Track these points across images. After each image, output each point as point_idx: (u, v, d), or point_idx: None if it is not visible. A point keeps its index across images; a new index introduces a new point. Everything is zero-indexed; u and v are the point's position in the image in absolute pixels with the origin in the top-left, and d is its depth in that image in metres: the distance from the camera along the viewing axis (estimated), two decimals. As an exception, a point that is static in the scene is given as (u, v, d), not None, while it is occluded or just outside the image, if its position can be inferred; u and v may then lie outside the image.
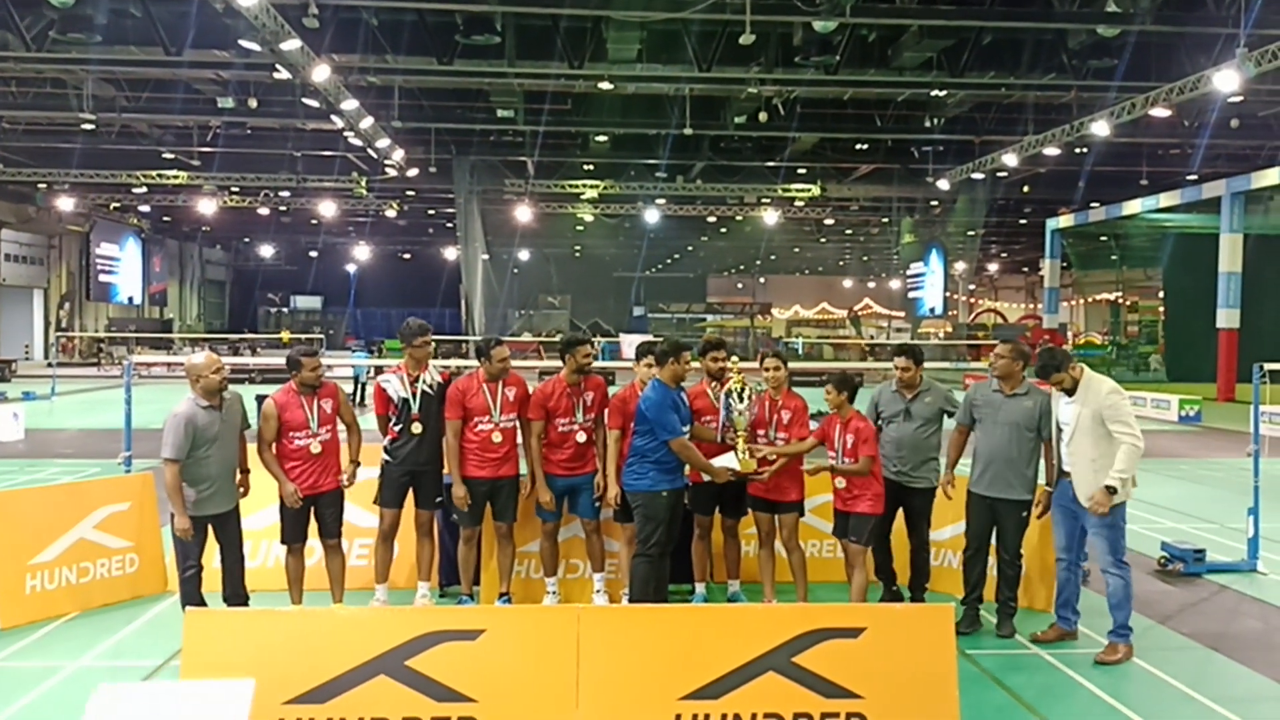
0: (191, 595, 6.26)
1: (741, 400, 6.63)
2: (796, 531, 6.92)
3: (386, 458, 6.98)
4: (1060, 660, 6.37)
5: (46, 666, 6.11)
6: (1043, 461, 6.76)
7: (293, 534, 6.69)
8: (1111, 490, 6.20)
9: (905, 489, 7.03)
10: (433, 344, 7.24)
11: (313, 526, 6.76)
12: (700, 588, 7.33)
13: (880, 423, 7.16)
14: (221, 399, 6.39)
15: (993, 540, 6.89)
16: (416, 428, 6.90)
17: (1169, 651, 6.61)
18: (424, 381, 6.97)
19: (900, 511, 7.14)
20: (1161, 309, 39.77)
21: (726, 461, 6.61)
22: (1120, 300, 46.29)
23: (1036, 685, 5.99)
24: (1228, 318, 26.53)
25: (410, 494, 7.04)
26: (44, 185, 38.90)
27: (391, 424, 6.95)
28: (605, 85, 23.85)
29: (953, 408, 7.14)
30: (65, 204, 41.15)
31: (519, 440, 7.05)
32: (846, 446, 6.59)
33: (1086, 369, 6.54)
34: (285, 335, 47.77)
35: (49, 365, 33.02)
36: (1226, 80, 18.88)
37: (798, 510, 6.92)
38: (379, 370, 7.96)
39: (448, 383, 7.21)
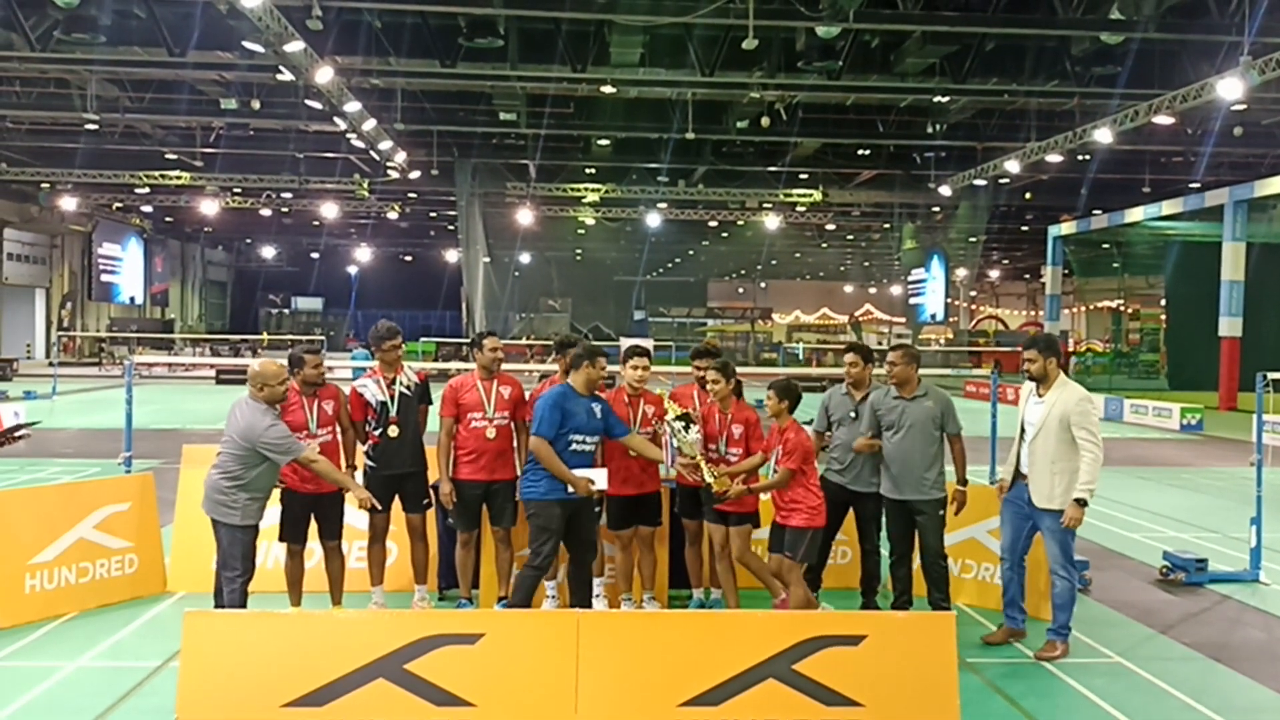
0: (240, 607, 6.05)
1: (688, 430, 6.46)
2: (749, 543, 6.74)
3: (369, 463, 6.95)
4: (1061, 669, 6.34)
5: (45, 666, 6.09)
6: (950, 462, 6.83)
7: (292, 535, 6.67)
8: (1082, 503, 6.29)
9: (854, 494, 6.98)
10: (403, 346, 7.19)
11: (313, 529, 6.74)
12: (698, 593, 7.31)
13: (831, 426, 7.12)
14: (276, 409, 6.25)
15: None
16: (394, 430, 6.88)
17: (1171, 662, 6.59)
18: (400, 383, 6.97)
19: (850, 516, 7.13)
20: (1163, 317, 39.76)
21: (594, 474, 6.36)
22: (1122, 308, 46.32)
23: (1037, 694, 5.97)
24: (1230, 326, 26.48)
25: (398, 498, 7.02)
26: (47, 185, 38.94)
27: (371, 429, 6.92)
28: (608, 89, 23.85)
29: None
30: (68, 204, 41.18)
31: (515, 444, 7.03)
32: (777, 456, 6.41)
33: (1062, 375, 6.62)
34: (265, 338, 47.65)
35: (50, 365, 33.02)
36: (1230, 88, 18.86)
37: (751, 522, 6.77)
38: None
39: (425, 383, 7.22)
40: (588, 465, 6.37)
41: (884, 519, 6.98)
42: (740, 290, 70.17)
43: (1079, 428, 6.32)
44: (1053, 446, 6.38)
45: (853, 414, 6.96)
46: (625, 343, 11.91)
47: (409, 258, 64.19)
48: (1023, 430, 6.63)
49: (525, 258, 55.89)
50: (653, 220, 42.70)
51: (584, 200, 40.28)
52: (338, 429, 6.87)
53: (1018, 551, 6.69)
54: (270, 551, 7.39)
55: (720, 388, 6.71)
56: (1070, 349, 42.18)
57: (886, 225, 48.81)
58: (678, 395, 7.15)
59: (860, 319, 68.95)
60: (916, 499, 6.71)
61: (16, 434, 7.61)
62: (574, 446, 6.31)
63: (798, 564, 6.39)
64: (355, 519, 7.30)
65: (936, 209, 42.78)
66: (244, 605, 6.10)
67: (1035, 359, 6.52)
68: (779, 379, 6.69)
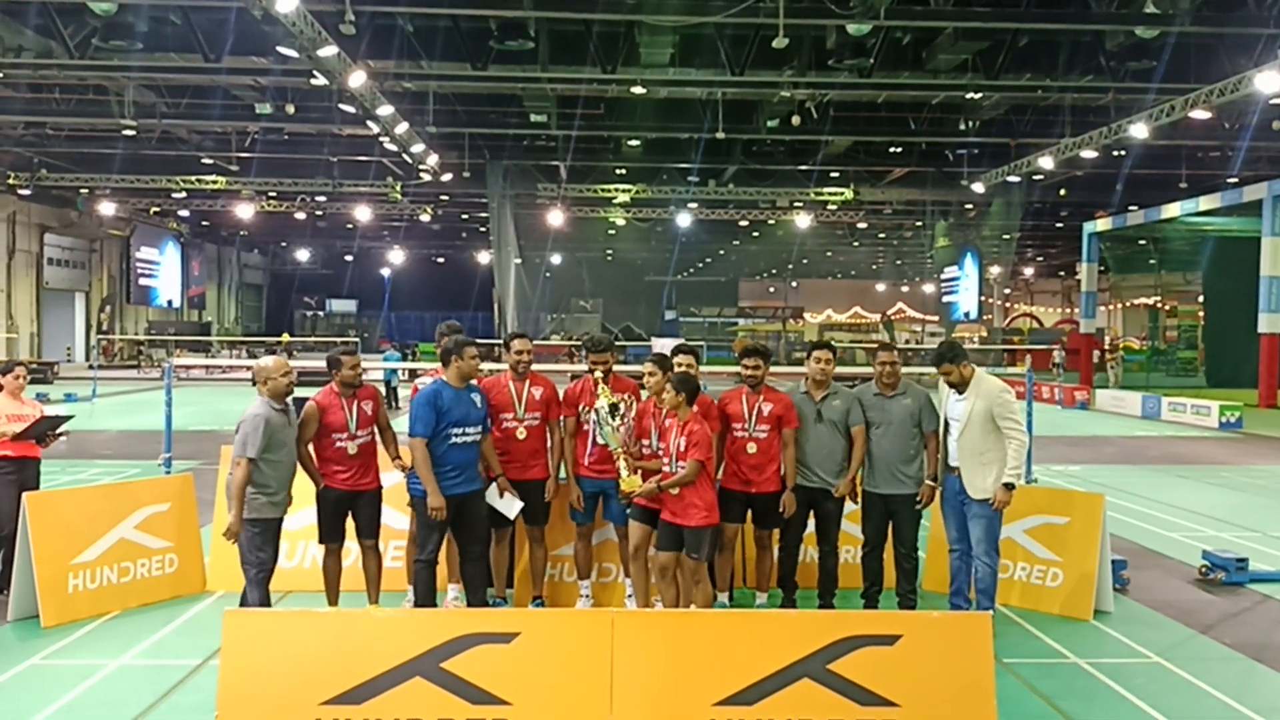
0: (263, 599, 6.20)
1: (614, 417, 6.39)
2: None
3: None
4: (1099, 669, 6.29)
5: (88, 664, 6.20)
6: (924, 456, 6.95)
7: (330, 535, 6.74)
8: (1010, 487, 6.46)
9: (815, 493, 6.94)
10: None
11: (350, 528, 6.81)
12: (723, 597, 7.20)
13: None
14: (287, 404, 6.39)
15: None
16: None
17: (1210, 662, 6.52)
18: None
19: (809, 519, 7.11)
20: (1201, 313, 39.21)
21: (507, 505, 6.63)
22: (1159, 305, 45.74)
23: (1074, 694, 5.92)
24: (1270, 322, 26.10)
25: None
26: (86, 190, 39.55)
27: None
28: (638, 90, 23.86)
29: (860, 414, 6.99)
30: (106, 209, 41.85)
31: (548, 444, 7.07)
32: (679, 450, 6.19)
33: (978, 370, 6.76)
34: (285, 338, 48.38)
35: (90, 367, 33.55)
36: (1268, 82, 18.59)
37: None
38: (412, 374, 8.01)
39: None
40: (472, 458, 6.52)
41: (862, 513, 7.09)
42: (771, 289, 69.93)
43: (1002, 418, 6.53)
44: (979, 439, 6.57)
45: (816, 414, 6.92)
46: (657, 344, 11.91)
47: (441, 259, 64.63)
48: (947, 426, 6.79)
49: (556, 258, 56.01)
50: (683, 220, 42.68)
51: (614, 201, 40.31)
52: (376, 429, 6.91)
53: (965, 542, 6.77)
54: (308, 551, 7.48)
55: (657, 380, 6.53)
56: (1106, 346, 41.65)
57: (919, 223, 48.43)
58: (726, 397, 7.10)
59: (893, 317, 68.50)
60: (896, 493, 6.83)
61: (59, 430, 7.75)
62: (454, 440, 6.39)
63: (701, 563, 6.29)
64: (392, 519, 7.38)
65: (970, 206, 42.41)
66: (265, 601, 6.18)
67: (950, 370, 6.68)
68: (676, 371, 6.59)
